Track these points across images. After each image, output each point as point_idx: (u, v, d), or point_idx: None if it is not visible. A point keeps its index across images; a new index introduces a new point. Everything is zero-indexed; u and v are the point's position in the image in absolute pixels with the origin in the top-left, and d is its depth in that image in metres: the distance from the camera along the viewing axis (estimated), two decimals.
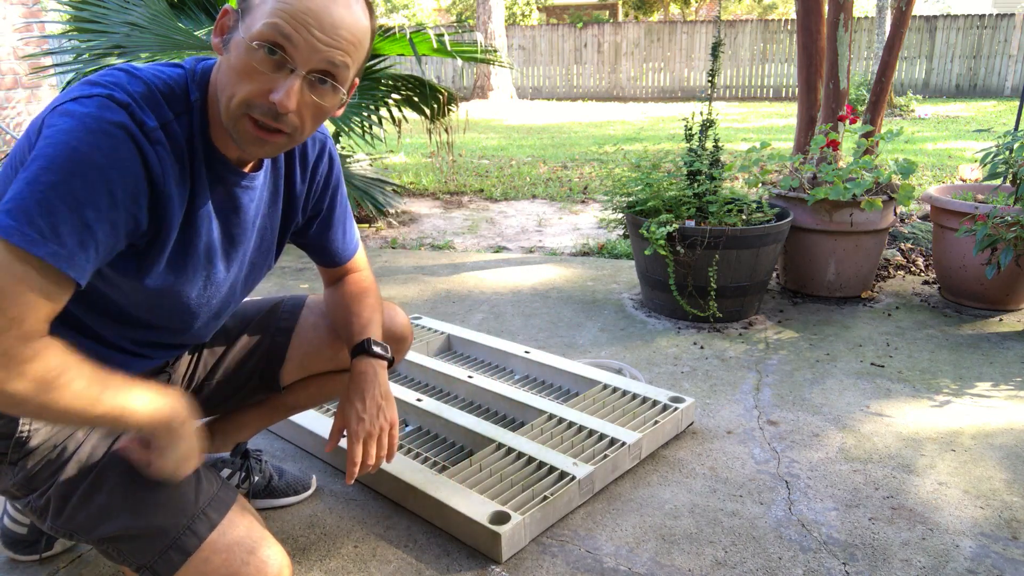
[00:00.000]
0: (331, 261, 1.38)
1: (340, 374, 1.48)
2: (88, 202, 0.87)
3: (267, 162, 1.15)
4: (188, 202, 1.03)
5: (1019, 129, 3.32)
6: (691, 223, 2.60)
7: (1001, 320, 2.72)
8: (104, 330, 1.10)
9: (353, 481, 1.20)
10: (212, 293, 1.15)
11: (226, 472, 1.57)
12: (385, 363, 1.29)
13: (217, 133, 1.04)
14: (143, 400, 0.96)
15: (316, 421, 1.84)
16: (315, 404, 1.55)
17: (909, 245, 3.64)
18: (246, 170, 1.10)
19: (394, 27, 3.27)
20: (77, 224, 0.87)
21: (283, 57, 0.94)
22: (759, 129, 9.50)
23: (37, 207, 0.85)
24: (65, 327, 1.05)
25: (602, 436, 1.76)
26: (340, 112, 1.08)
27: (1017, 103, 8.66)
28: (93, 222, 0.88)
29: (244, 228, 1.15)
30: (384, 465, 1.63)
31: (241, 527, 1.10)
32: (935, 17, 14.24)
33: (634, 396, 1.98)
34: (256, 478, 1.60)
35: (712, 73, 2.84)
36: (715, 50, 2.80)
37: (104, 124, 0.89)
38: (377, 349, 1.28)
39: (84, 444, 1.07)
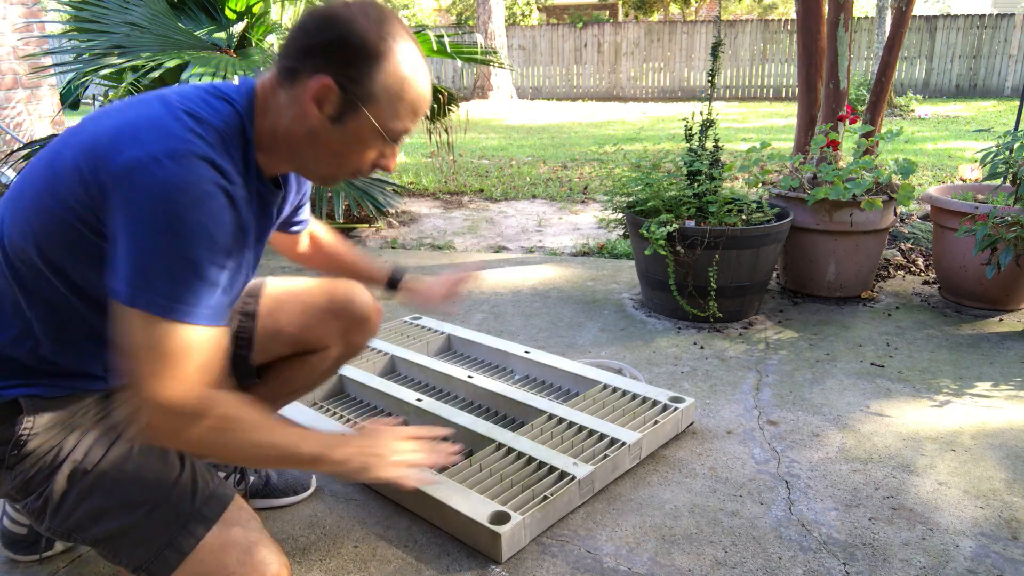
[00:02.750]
0: (303, 225, 1.45)
1: (303, 357, 1.49)
2: (208, 262, 0.95)
3: None
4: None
5: (1019, 129, 3.32)
6: (691, 223, 2.60)
7: (1001, 320, 2.72)
8: None
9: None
10: (238, 292, 1.20)
11: (220, 475, 1.57)
12: None
13: (262, 156, 1.09)
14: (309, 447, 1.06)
15: (316, 420, 1.84)
16: (293, 391, 1.53)
17: (909, 245, 3.64)
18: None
19: None
20: (206, 283, 0.95)
21: (401, 141, 1.09)
22: (759, 129, 9.50)
23: (169, 278, 0.92)
24: (98, 343, 1.07)
25: (602, 436, 1.76)
26: None
27: (1017, 103, 8.65)
28: (216, 275, 0.97)
29: (267, 232, 1.21)
30: None
31: (238, 528, 1.09)
32: (935, 17, 14.24)
33: (634, 396, 1.98)
34: (252, 478, 1.60)
35: (712, 73, 2.84)
36: (715, 50, 2.80)
37: (197, 182, 0.93)
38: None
39: (80, 445, 1.07)
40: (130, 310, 0.92)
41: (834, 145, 3.07)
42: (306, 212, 1.44)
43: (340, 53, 1.00)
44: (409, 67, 1.04)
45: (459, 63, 14.92)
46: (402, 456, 1.14)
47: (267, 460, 1.07)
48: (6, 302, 1.03)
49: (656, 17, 21.67)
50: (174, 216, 0.91)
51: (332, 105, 1.02)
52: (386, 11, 1.03)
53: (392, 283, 1.59)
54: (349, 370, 2.12)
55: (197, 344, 0.94)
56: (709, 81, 2.86)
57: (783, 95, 14.99)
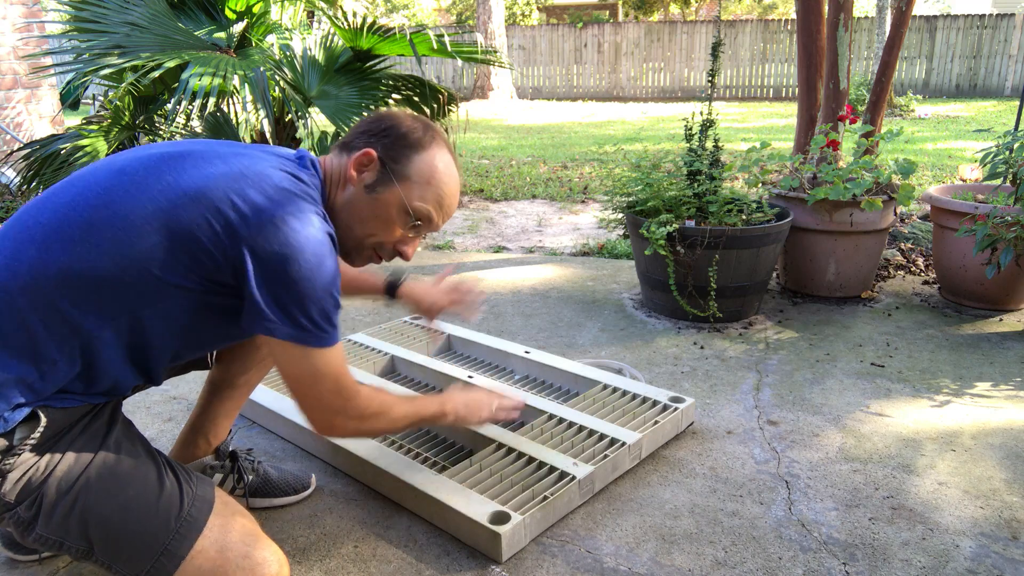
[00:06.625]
0: None
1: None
2: (335, 289, 1.11)
3: None
4: None
5: (1019, 129, 3.32)
6: (691, 223, 2.60)
7: (1001, 320, 2.72)
8: (157, 357, 1.15)
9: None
10: None
11: (218, 477, 1.57)
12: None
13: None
14: (429, 410, 1.39)
15: None
16: (254, 367, 1.53)
17: (909, 245, 3.64)
18: None
19: (394, 27, 3.26)
20: (337, 309, 1.13)
21: (422, 229, 1.26)
22: (759, 129, 9.50)
23: (325, 312, 1.10)
24: (120, 369, 1.10)
25: (602, 436, 1.76)
26: None
27: (1017, 103, 8.65)
28: (337, 300, 1.13)
29: None
30: (384, 465, 1.63)
31: (234, 530, 1.09)
32: (935, 17, 14.24)
33: (634, 396, 1.98)
34: (250, 477, 1.60)
35: (712, 73, 2.84)
36: (715, 50, 2.80)
37: (322, 237, 1.10)
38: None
39: (70, 451, 1.06)
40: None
41: (834, 145, 3.07)
42: None
43: (387, 137, 1.22)
44: (442, 164, 1.24)
45: (459, 63, 14.93)
46: (490, 410, 1.49)
47: (408, 427, 1.35)
48: (23, 336, 1.02)
49: (656, 17, 21.66)
50: (315, 265, 1.09)
51: (371, 174, 1.21)
52: (431, 122, 1.26)
53: (391, 289, 1.68)
54: (350, 370, 2.12)
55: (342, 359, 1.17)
56: (709, 81, 2.86)
57: (783, 95, 14.99)
